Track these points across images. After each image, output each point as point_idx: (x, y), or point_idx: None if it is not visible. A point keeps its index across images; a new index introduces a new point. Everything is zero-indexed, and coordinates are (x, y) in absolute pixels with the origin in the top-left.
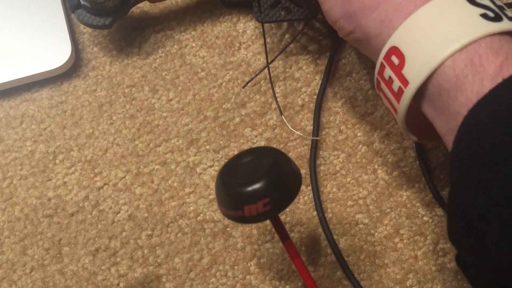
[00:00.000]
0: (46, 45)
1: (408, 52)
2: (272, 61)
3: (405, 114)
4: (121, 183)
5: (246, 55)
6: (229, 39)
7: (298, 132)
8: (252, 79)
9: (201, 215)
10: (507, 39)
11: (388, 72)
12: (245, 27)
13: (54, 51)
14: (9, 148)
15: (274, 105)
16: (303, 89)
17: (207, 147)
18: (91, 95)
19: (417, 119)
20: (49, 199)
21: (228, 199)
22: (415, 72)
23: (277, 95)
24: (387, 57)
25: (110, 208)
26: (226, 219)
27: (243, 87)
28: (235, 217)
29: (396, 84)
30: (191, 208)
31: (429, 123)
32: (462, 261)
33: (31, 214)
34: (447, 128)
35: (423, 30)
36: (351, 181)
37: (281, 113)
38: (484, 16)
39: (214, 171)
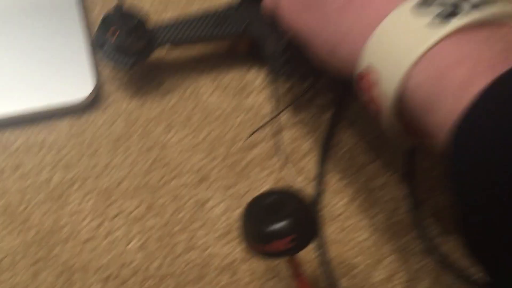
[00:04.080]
0: (69, 78)
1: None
2: (278, 114)
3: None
4: (134, 213)
5: (257, 100)
6: (242, 83)
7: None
8: (256, 130)
9: (210, 248)
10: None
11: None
12: (258, 74)
13: (77, 84)
14: (27, 173)
15: (281, 148)
16: (310, 135)
17: (218, 184)
18: (109, 127)
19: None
20: (64, 225)
21: (256, 234)
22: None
23: (283, 139)
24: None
25: (123, 237)
26: (233, 254)
27: (248, 137)
28: (262, 252)
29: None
30: (200, 242)
31: None
32: None
33: (45, 239)
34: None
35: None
36: (351, 225)
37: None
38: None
39: (223, 207)
